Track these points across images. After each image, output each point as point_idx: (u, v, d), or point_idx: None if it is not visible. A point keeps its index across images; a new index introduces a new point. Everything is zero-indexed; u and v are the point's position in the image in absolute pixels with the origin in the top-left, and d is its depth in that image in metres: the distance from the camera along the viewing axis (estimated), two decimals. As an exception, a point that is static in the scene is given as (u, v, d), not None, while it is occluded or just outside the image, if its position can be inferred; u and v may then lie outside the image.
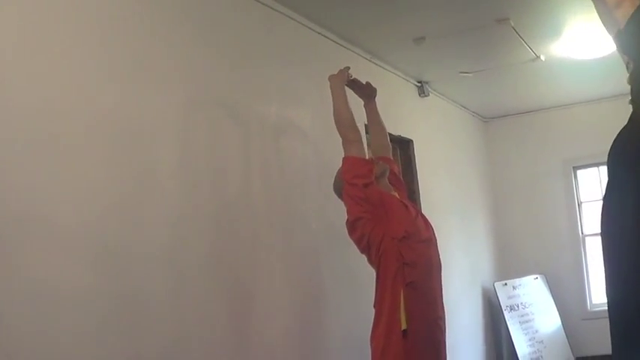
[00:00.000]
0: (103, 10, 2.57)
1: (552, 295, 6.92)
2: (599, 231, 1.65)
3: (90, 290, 2.33)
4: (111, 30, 2.59)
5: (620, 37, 1.68)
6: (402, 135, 5.11)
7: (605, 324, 1.63)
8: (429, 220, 3.24)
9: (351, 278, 3.93)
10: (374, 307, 3.05)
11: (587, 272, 7.11)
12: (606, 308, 1.60)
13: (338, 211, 3.27)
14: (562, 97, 6.85)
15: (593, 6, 1.81)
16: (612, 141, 1.65)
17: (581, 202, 7.24)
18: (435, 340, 3.04)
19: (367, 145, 3.55)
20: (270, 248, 3.36)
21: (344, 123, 3.17)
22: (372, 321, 3.03)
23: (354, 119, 3.19)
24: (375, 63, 4.82)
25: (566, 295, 7.00)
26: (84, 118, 2.41)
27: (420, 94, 5.64)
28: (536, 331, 6.55)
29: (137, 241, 2.56)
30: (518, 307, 6.56)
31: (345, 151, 3.15)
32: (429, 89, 5.71)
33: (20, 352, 2.06)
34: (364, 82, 3.45)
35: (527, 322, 6.54)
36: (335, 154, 3.36)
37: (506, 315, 6.40)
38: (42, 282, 2.15)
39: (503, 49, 4.95)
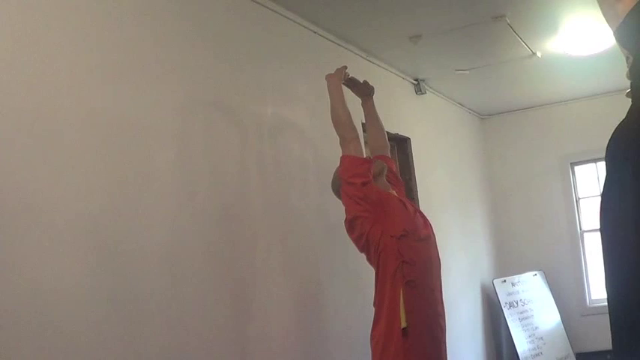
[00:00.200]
0: (98, 10, 2.57)
1: (551, 292, 6.93)
2: (599, 227, 1.65)
3: (88, 290, 2.32)
4: (106, 29, 2.59)
5: (620, 31, 1.68)
6: (399, 133, 5.12)
7: (605, 320, 1.63)
8: (428, 218, 3.24)
9: (351, 277, 3.93)
10: (373, 305, 3.05)
11: (585, 268, 7.12)
12: (605, 304, 1.60)
13: (336, 210, 3.27)
14: (559, 94, 6.86)
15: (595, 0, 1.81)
16: (610, 135, 1.66)
17: (579, 198, 7.25)
18: (435, 338, 3.03)
19: (365, 143, 3.54)
20: (269, 247, 3.36)
21: (341, 122, 3.16)
22: (372, 319, 3.03)
23: (351, 118, 3.19)
24: (371, 61, 4.82)
25: (566, 291, 7.01)
26: (81, 118, 2.40)
27: (416, 92, 5.64)
28: (536, 328, 6.56)
29: (135, 240, 2.56)
30: (517, 303, 6.57)
31: (342, 150, 3.15)
32: (426, 87, 5.71)
33: (20, 351, 2.06)
34: (361, 81, 3.45)
35: (526, 318, 6.54)
36: (332, 153, 3.36)
37: (506, 312, 6.40)
38: (40, 282, 2.15)
39: (500, 46, 4.96)
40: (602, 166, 6.86)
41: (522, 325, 6.46)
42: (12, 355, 2.03)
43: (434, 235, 3.20)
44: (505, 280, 6.65)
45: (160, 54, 2.85)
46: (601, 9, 1.79)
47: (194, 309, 2.79)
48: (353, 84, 3.43)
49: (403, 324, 2.89)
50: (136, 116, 2.66)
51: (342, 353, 3.79)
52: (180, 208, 2.81)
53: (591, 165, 7.17)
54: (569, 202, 7.18)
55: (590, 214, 7.15)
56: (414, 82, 5.60)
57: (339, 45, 4.40)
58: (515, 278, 6.75)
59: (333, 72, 3.28)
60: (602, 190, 1.66)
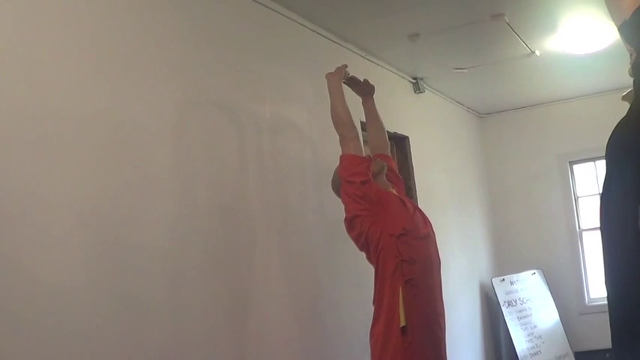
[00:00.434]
0: (96, 9, 2.57)
1: (550, 290, 6.92)
2: (599, 225, 1.65)
3: (88, 289, 2.32)
4: (105, 29, 2.58)
5: (625, 28, 1.68)
6: (397, 132, 5.12)
7: (604, 318, 1.63)
8: (427, 217, 3.24)
9: (350, 275, 3.94)
10: (373, 304, 3.05)
11: (584, 267, 7.12)
12: (604, 303, 1.60)
13: (336, 209, 3.27)
14: (557, 92, 6.86)
15: None
16: (610, 133, 1.65)
17: (577, 197, 7.25)
18: (434, 337, 3.03)
19: (365, 142, 3.54)
20: (268, 245, 3.36)
21: (341, 121, 3.17)
22: (372, 318, 3.04)
23: (351, 117, 3.19)
24: (369, 60, 4.82)
25: (564, 290, 7.01)
26: (80, 117, 2.40)
27: (415, 91, 5.64)
28: (535, 327, 6.56)
29: (134, 240, 2.56)
30: (516, 302, 6.57)
31: (342, 149, 3.15)
32: (425, 85, 5.70)
33: (20, 351, 2.06)
34: (362, 80, 3.45)
35: (525, 317, 6.54)
36: (332, 152, 3.36)
37: (505, 310, 6.40)
38: (39, 282, 2.15)
39: (498, 45, 4.96)
40: (601, 165, 6.87)
41: (521, 324, 6.46)
42: (13, 352, 2.03)
43: (434, 233, 3.20)
44: (504, 279, 6.65)
45: (159, 53, 2.85)
46: (606, 4, 1.78)
47: (194, 308, 2.80)
48: (353, 83, 3.43)
49: (402, 322, 2.89)
50: (136, 115, 2.66)
51: (341, 352, 3.79)
52: (179, 207, 2.81)
53: (590, 164, 7.17)
54: (568, 201, 7.18)
55: (589, 213, 7.15)
56: (413, 80, 5.60)
57: (338, 44, 4.40)
58: (514, 277, 6.75)
59: (333, 71, 3.28)
60: (601, 188, 1.66)
